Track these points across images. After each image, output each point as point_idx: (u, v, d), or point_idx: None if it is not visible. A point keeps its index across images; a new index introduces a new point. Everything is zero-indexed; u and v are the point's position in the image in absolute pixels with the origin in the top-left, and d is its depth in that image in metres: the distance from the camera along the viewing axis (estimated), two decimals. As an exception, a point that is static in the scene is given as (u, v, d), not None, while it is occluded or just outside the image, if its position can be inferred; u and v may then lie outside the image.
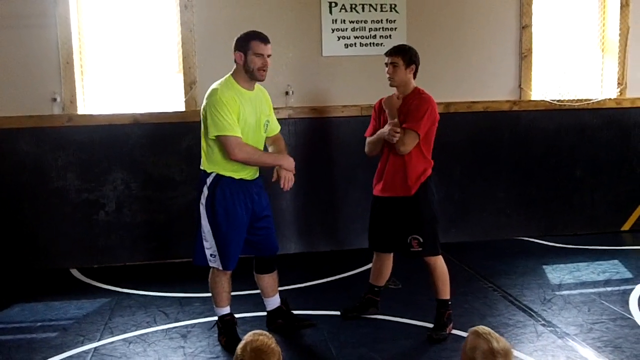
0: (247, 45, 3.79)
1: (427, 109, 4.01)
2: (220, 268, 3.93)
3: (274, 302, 4.26)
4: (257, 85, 4.01)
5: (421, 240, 4.03)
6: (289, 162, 3.91)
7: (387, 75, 4.12)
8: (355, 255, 5.81)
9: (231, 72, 3.90)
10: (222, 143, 3.74)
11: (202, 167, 3.92)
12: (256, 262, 4.20)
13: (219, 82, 3.87)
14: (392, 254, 4.38)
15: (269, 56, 3.82)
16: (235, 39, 3.87)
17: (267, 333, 2.42)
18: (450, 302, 4.13)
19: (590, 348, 3.89)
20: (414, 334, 4.17)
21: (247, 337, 2.39)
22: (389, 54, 4.12)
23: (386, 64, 4.11)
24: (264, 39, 3.82)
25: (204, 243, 3.92)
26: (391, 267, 4.44)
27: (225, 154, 3.78)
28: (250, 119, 3.84)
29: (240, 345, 2.37)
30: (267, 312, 4.29)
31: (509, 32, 6.29)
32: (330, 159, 6.14)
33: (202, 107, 3.83)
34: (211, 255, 3.92)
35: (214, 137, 3.75)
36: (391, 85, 4.17)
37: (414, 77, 4.15)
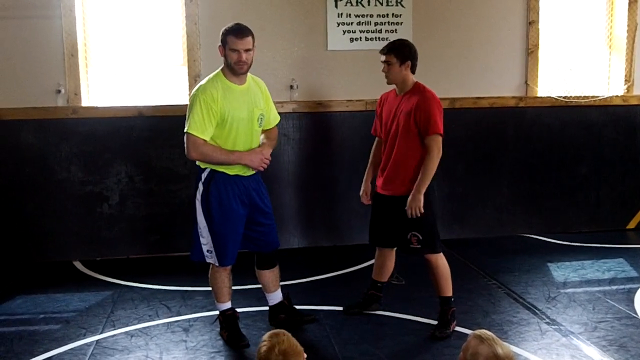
0: (225, 39, 3.78)
1: (435, 107, 3.96)
2: (217, 264, 3.92)
3: (275, 297, 4.24)
4: (254, 78, 3.99)
5: (420, 237, 4.01)
6: (252, 161, 3.83)
7: (383, 73, 4.10)
8: (358, 250, 5.79)
9: (221, 66, 3.88)
10: (186, 139, 3.73)
11: (197, 163, 3.91)
12: (257, 257, 4.18)
13: (207, 77, 3.86)
14: (394, 250, 4.36)
15: (247, 50, 3.75)
16: None
17: (286, 332, 2.38)
18: (453, 299, 4.11)
19: (595, 347, 3.86)
20: (416, 331, 4.15)
21: (271, 340, 2.32)
22: (382, 52, 4.08)
23: (382, 62, 4.08)
24: (240, 34, 3.75)
25: (201, 239, 3.90)
26: (393, 263, 4.42)
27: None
28: (239, 114, 3.80)
29: (265, 348, 2.30)
30: (269, 307, 4.28)
31: (516, 28, 6.25)
32: (334, 154, 6.12)
33: None
34: (208, 251, 3.91)
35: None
36: (388, 83, 4.15)
37: (413, 72, 4.09)
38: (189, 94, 5.73)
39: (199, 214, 3.87)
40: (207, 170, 3.84)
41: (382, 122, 4.21)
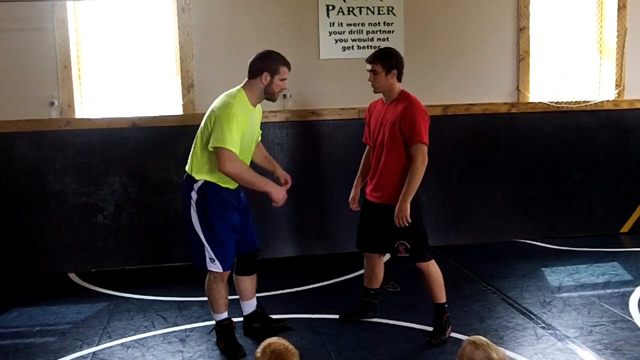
0: (277, 68, 3.84)
1: (419, 115, 3.95)
2: (220, 270, 3.92)
3: (251, 305, 4.26)
4: None
5: (408, 246, 4.01)
6: (277, 193, 3.85)
7: (370, 82, 4.10)
8: (353, 258, 5.75)
9: (242, 86, 3.91)
10: (218, 154, 3.73)
11: (189, 172, 3.92)
12: (237, 262, 4.18)
13: (232, 95, 3.87)
14: (382, 256, 4.37)
15: None
16: (259, 57, 3.89)
17: (281, 338, 2.43)
18: (447, 305, 4.11)
19: (591, 351, 3.88)
20: (412, 337, 4.16)
21: (264, 342, 2.39)
22: (368, 60, 4.08)
23: (368, 70, 4.08)
24: (289, 65, 3.92)
25: (205, 247, 3.89)
26: (383, 269, 4.42)
27: (216, 164, 3.79)
28: (248, 136, 3.88)
29: (259, 349, 2.36)
30: (244, 316, 4.28)
31: (507, 35, 6.29)
32: (327, 162, 6.13)
33: (208, 116, 3.83)
34: (210, 258, 3.91)
35: (212, 149, 3.74)
36: (374, 92, 4.15)
37: (399, 80, 4.09)
38: (183, 104, 5.80)
39: (196, 223, 3.88)
40: (201, 182, 3.86)
41: (370, 130, 4.23)
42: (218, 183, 3.86)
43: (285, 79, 3.89)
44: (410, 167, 3.94)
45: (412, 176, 3.92)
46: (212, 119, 3.77)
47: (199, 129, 3.92)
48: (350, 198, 4.37)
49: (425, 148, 3.95)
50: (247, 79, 3.92)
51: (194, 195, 3.87)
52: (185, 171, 3.97)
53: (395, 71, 4.03)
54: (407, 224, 3.91)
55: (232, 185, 3.93)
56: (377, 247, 4.26)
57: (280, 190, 3.90)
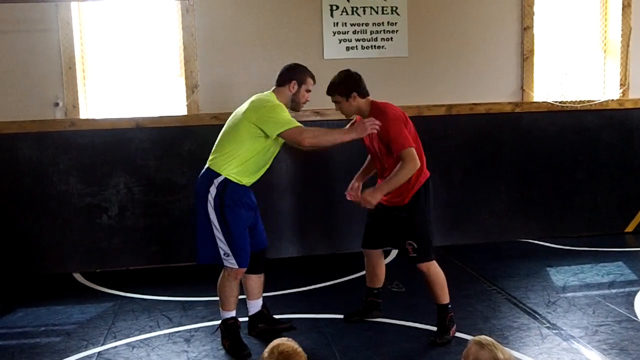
0: (304, 79, 4.03)
1: (392, 125, 3.90)
2: (236, 266, 3.93)
3: (257, 305, 4.26)
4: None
5: (415, 246, 4.01)
6: (357, 130, 3.87)
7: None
8: (358, 258, 5.74)
9: (272, 90, 4.02)
10: (290, 135, 3.82)
11: (212, 167, 3.92)
12: None
13: (266, 94, 3.99)
14: (382, 253, 4.38)
15: None
16: (288, 67, 4.06)
17: (290, 339, 2.45)
18: (450, 305, 4.10)
19: (596, 350, 3.87)
20: (417, 337, 4.15)
21: (272, 343, 2.39)
22: (328, 94, 4.10)
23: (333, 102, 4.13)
24: (314, 78, 4.10)
25: (218, 242, 3.90)
26: (384, 268, 4.42)
27: (246, 162, 3.86)
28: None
29: (267, 350, 2.36)
30: (249, 316, 4.28)
31: (511, 34, 6.29)
32: (330, 162, 6.13)
33: (245, 115, 3.87)
34: (225, 254, 3.92)
35: (275, 136, 3.83)
36: (347, 118, 4.21)
37: (365, 96, 4.06)
38: (187, 105, 5.81)
39: (213, 218, 3.88)
40: (222, 177, 3.87)
41: (365, 144, 4.21)
42: (238, 180, 3.88)
43: (310, 91, 4.06)
44: (400, 166, 3.89)
45: (397, 175, 3.88)
46: (253, 116, 3.82)
47: (226, 127, 3.97)
48: (349, 187, 4.22)
49: (412, 150, 3.89)
50: (275, 86, 4.05)
51: (212, 190, 3.86)
52: (207, 167, 3.97)
53: (354, 93, 4.01)
54: (365, 206, 3.94)
55: (247, 183, 3.96)
56: (382, 244, 4.29)
57: (359, 125, 3.88)
